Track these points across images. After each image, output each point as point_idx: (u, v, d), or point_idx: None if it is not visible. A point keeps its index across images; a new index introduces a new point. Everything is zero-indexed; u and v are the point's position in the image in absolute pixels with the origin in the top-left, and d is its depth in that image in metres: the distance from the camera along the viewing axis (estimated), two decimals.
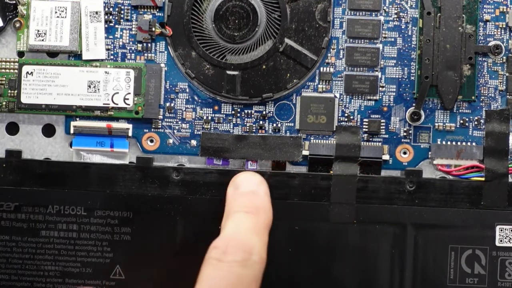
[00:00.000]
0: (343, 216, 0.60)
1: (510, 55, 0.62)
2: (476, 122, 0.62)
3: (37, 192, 0.59)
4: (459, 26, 0.61)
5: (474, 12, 0.61)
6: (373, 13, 0.62)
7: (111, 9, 0.62)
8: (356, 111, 0.62)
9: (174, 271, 0.59)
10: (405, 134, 0.62)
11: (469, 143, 0.62)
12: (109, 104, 0.61)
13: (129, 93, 0.61)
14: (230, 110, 0.62)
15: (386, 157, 0.62)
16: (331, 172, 0.60)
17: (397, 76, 0.62)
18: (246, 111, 0.62)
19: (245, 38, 0.61)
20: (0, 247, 0.59)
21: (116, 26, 0.62)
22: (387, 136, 0.62)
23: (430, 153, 0.62)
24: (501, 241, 0.60)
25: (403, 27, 0.62)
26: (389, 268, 0.60)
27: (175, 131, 0.62)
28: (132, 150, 0.62)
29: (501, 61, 0.62)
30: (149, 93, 0.62)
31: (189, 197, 0.60)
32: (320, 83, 0.62)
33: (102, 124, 0.62)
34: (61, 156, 0.63)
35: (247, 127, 0.62)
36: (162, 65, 0.62)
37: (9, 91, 0.62)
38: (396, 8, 0.62)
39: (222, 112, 0.62)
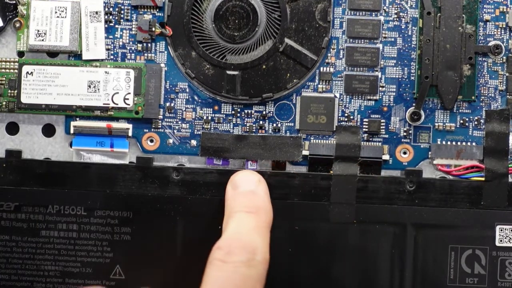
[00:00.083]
0: (343, 216, 0.60)
1: (510, 55, 0.62)
2: (476, 122, 0.62)
3: (37, 192, 0.59)
4: (459, 26, 0.61)
5: (474, 12, 0.61)
6: (373, 13, 0.62)
7: (111, 9, 0.62)
8: (356, 111, 0.62)
9: (174, 271, 0.59)
10: (405, 134, 0.62)
11: (469, 143, 0.62)
12: (109, 104, 0.61)
13: (129, 93, 0.61)
14: (230, 110, 0.62)
15: (386, 157, 0.62)
16: (331, 172, 0.60)
17: (397, 76, 0.62)
18: (246, 111, 0.62)
19: (245, 38, 0.61)
20: (0, 247, 0.59)
21: (116, 26, 0.62)
22: (387, 136, 0.62)
23: (430, 153, 0.62)
24: (501, 241, 0.60)
25: (403, 27, 0.62)
26: (389, 268, 0.60)
27: (175, 131, 0.62)
28: (132, 150, 0.62)
29: (501, 61, 0.62)
30: (149, 93, 0.62)
31: (189, 197, 0.60)
32: (320, 83, 0.62)
33: (102, 124, 0.62)
34: (61, 156, 0.63)
35: (247, 127, 0.62)
36: (162, 65, 0.62)
37: (9, 91, 0.62)
38: (396, 8, 0.62)
39: (222, 112, 0.62)
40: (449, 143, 0.62)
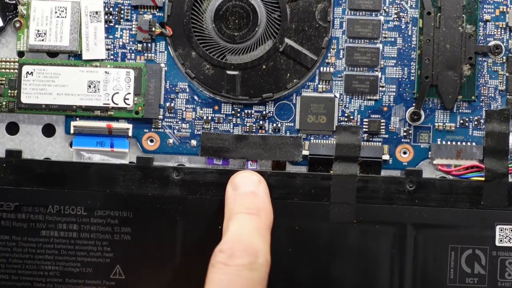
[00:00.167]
0: (343, 216, 0.60)
1: (510, 55, 0.62)
2: (476, 122, 0.62)
3: (37, 192, 0.59)
4: (459, 26, 0.61)
5: (474, 12, 0.61)
6: (373, 13, 0.62)
7: (111, 9, 0.62)
8: (356, 111, 0.62)
9: (174, 271, 0.59)
10: (405, 134, 0.62)
11: (469, 143, 0.62)
12: (109, 104, 0.61)
13: (129, 93, 0.61)
14: (230, 110, 0.62)
15: (386, 157, 0.62)
16: (331, 172, 0.60)
17: (397, 76, 0.62)
18: (246, 111, 0.62)
19: (245, 38, 0.61)
20: (0, 247, 0.59)
21: (116, 26, 0.62)
22: (387, 136, 0.62)
23: (430, 153, 0.62)
24: (501, 241, 0.60)
25: (403, 27, 0.62)
26: (389, 268, 0.60)
27: (175, 131, 0.62)
28: (132, 150, 0.62)
29: (501, 61, 0.62)
30: (149, 93, 0.62)
31: (189, 197, 0.60)
32: (320, 83, 0.62)
33: (102, 124, 0.62)
34: (61, 156, 0.63)
35: (247, 127, 0.62)
36: (162, 65, 0.62)
37: (9, 91, 0.62)
38: (396, 8, 0.62)
39: (222, 112, 0.62)
40: (449, 143, 0.62)
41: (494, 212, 0.60)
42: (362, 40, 0.62)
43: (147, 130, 0.62)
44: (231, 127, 0.62)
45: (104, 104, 0.61)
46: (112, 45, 0.62)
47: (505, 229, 0.60)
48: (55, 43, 0.61)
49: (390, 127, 0.62)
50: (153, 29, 0.62)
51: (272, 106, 0.62)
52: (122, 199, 0.60)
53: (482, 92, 0.62)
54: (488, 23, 0.62)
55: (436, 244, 0.60)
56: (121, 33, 0.62)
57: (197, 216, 0.59)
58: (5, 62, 0.62)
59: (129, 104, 0.61)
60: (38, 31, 0.61)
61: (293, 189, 0.60)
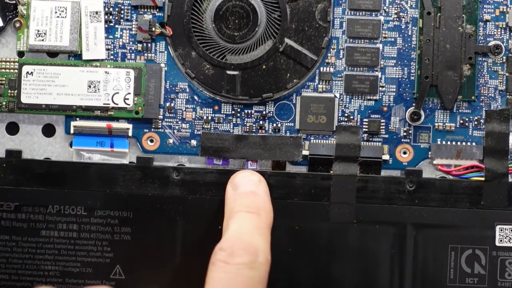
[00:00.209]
0: (343, 216, 0.60)
1: (510, 55, 0.62)
2: (476, 122, 0.62)
3: (37, 192, 0.59)
4: (459, 26, 0.61)
5: (474, 12, 0.61)
6: (373, 13, 0.62)
7: (111, 9, 0.62)
8: (356, 111, 0.62)
9: (174, 271, 0.59)
10: (405, 134, 0.62)
11: (469, 143, 0.62)
12: (109, 104, 0.61)
13: (129, 93, 0.61)
14: (230, 110, 0.62)
15: (386, 157, 0.62)
16: (331, 172, 0.60)
17: (397, 76, 0.62)
18: (246, 111, 0.62)
19: (245, 38, 0.61)
20: (0, 247, 0.59)
21: (116, 26, 0.62)
22: (387, 136, 0.62)
23: (430, 153, 0.62)
24: (501, 241, 0.60)
25: (403, 27, 0.62)
26: (389, 268, 0.60)
27: (175, 131, 0.62)
28: (132, 150, 0.62)
29: (501, 61, 0.62)
30: (149, 93, 0.62)
31: (189, 197, 0.60)
32: (320, 83, 0.62)
33: (102, 124, 0.62)
34: (61, 156, 0.63)
35: (247, 127, 0.62)
36: (162, 65, 0.62)
37: (9, 91, 0.62)
38: (396, 8, 0.62)
39: (222, 112, 0.62)
40: (449, 143, 0.62)
41: (494, 212, 0.60)
42: (362, 40, 0.62)
43: (147, 130, 0.62)
44: (231, 127, 0.62)
45: (104, 104, 0.61)
46: (112, 45, 0.62)
47: (505, 229, 0.60)
48: (55, 43, 0.61)
49: (390, 127, 0.62)
50: (153, 29, 0.62)
51: (272, 106, 0.62)
52: (122, 199, 0.60)
53: (482, 92, 0.62)
54: (488, 23, 0.62)
55: (436, 244, 0.60)
56: (121, 33, 0.62)
57: (197, 216, 0.59)
58: (5, 62, 0.62)
59: (129, 104, 0.61)
60: (38, 31, 0.61)
61: (293, 189, 0.60)
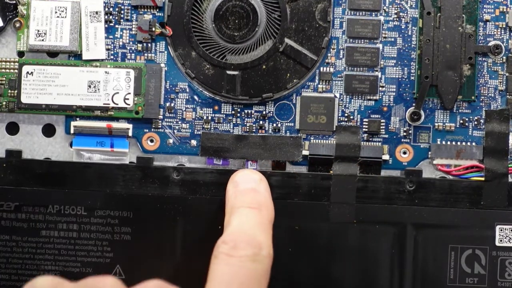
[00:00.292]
0: (343, 216, 0.60)
1: (510, 55, 0.62)
2: (476, 122, 0.62)
3: (37, 192, 0.59)
4: (459, 26, 0.61)
5: (474, 12, 0.61)
6: (373, 13, 0.62)
7: (111, 9, 0.62)
8: (356, 111, 0.62)
9: (174, 271, 0.59)
10: (405, 134, 0.62)
11: (469, 143, 0.62)
12: (109, 104, 0.61)
13: (129, 93, 0.61)
14: (230, 110, 0.62)
15: (386, 157, 0.62)
16: (331, 172, 0.60)
17: (397, 76, 0.62)
18: (246, 111, 0.62)
19: (245, 38, 0.61)
20: (0, 247, 0.59)
21: (116, 26, 0.62)
22: (387, 136, 0.62)
23: (430, 153, 0.62)
24: (501, 241, 0.60)
25: (403, 27, 0.62)
26: (389, 268, 0.60)
27: (175, 131, 0.62)
28: (132, 150, 0.62)
29: (501, 61, 0.62)
30: (149, 93, 0.62)
31: (189, 197, 0.60)
32: (320, 83, 0.62)
33: (102, 124, 0.62)
34: (61, 156, 0.63)
35: (247, 127, 0.62)
36: (162, 65, 0.62)
37: (9, 91, 0.62)
38: (396, 8, 0.62)
39: (222, 112, 0.62)
40: (449, 143, 0.62)
41: (494, 212, 0.60)
42: (362, 40, 0.62)
43: (147, 130, 0.62)
44: (231, 127, 0.62)
45: (104, 104, 0.61)
46: (112, 45, 0.62)
47: (505, 229, 0.60)
48: (55, 43, 0.61)
49: (390, 127, 0.62)
50: (153, 29, 0.62)
51: (272, 106, 0.62)
52: (122, 199, 0.60)
53: (482, 92, 0.62)
54: (488, 23, 0.62)
55: (436, 244, 0.60)
56: (121, 33, 0.62)
57: (197, 216, 0.59)
58: (5, 62, 0.62)
59: (129, 104, 0.61)
60: (38, 31, 0.61)
61: (293, 189, 0.60)
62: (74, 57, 0.62)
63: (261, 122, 0.62)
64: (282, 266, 0.59)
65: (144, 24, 0.62)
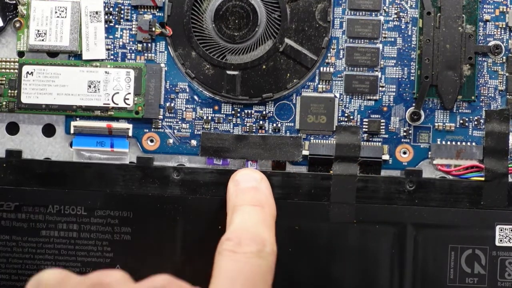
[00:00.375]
0: (343, 216, 0.60)
1: (510, 55, 0.62)
2: (476, 122, 0.62)
3: (37, 192, 0.59)
4: (459, 26, 0.61)
5: (474, 12, 0.61)
6: (373, 13, 0.62)
7: (111, 9, 0.62)
8: (356, 111, 0.62)
9: (174, 271, 0.59)
10: (405, 134, 0.62)
11: (469, 143, 0.62)
12: (109, 104, 0.61)
13: (129, 93, 0.61)
14: (230, 110, 0.62)
15: (386, 157, 0.62)
16: (331, 172, 0.60)
17: (397, 76, 0.62)
18: (246, 111, 0.62)
19: (245, 38, 0.61)
20: (0, 247, 0.59)
21: (116, 26, 0.62)
22: (387, 136, 0.62)
23: (430, 153, 0.62)
24: (501, 241, 0.60)
25: (403, 27, 0.62)
26: (389, 268, 0.60)
27: (175, 131, 0.62)
28: (132, 150, 0.62)
29: (501, 61, 0.62)
30: (149, 93, 0.62)
31: (189, 197, 0.60)
32: (320, 83, 0.62)
33: (102, 124, 0.62)
34: (61, 156, 0.63)
35: (247, 127, 0.62)
36: (162, 65, 0.62)
37: (9, 91, 0.62)
38: (396, 8, 0.62)
39: (222, 112, 0.62)
40: (449, 143, 0.62)
41: (494, 212, 0.60)
42: (362, 40, 0.62)
43: (147, 130, 0.62)
44: (231, 127, 0.62)
45: (104, 104, 0.61)
46: (112, 45, 0.62)
47: (505, 229, 0.60)
48: (55, 43, 0.61)
49: (390, 127, 0.62)
50: (153, 29, 0.62)
51: (272, 106, 0.62)
52: (122, 199, 0.60)
53: (482, 92, 0.62)
54: (488, 23, 0.62)
55: (436, 244, 0.60)
56: (121, 33, 0.62)
57: (197, 216, 0.59)
58: (5, 62, 0.62)
59: (129, 104, 0.61)
60: (38, 31, 0.61)
61: (293, 189, 0.60)
62: (74, 57, 0.62)
63: (261, 122, 0.62)
64: (282, 266, 0.59)
65: (144, 24, 0.62)
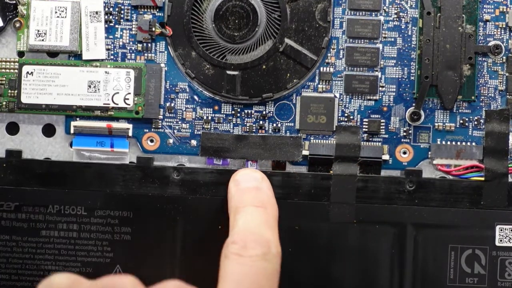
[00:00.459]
0: (343, 216, 0.60)
1: (510, 55, 0.62)
2: (476, 122, 0.62)
3: (37, 192, 0.59)
4: (459, 26, 0.61)
5: (474, 12, 0.61)
6: (373, 13, 0.62)
7: (111, 9, 0.62)
8: (356, 111, 0.62)
9: (174, 271, 0.59)
10: (405, 134, 0.62)
11: (469, 143, 0.62)
12: (109, 104, 0.61)
13: (129, 93, 0.61)
14: (230, 110, 0.62)
15: (386, 157, 0.62)
16: (331, 172, 0.60)
17: (397, 76, 0.62)
18: (246, 111, 0.62)
19: (245, 38, 0.61)
20: (0, 247, 0.59)
21: (116, 26, 0.62)
22: (387, 136, 0.62)
23: (430, 153, 0.62)
24: (501, 241, 0.60)
25: (403, 27, 0.62)
26: (389, 268, 0.60)
27: (175, 131, 0.62)
28: (132, 150, 0.62)
29: (501, 61, 0.62)
30: (149, 93, 0.62)
31: (189, 197, 0.60)
32: (320, 83, 0.62)
33: (102, 124, 0.62)
34: (61, 156, 0.63)
35: (247, 127, 0.62)
36: (162, 65, 0.62)
37: (9, 91, 0.62)
38: (396, 8, 0.62)
39: (222, 112, 0.62)
40: (449, 143, 0.62)
41: (494, 212, 0.60)
42: (362, 40, 0.62)
43: (147, 130, 0.62)
44: (231, 127, 0.62)
45: (104, 104, 0.61)
46: (112, 45, 0.62)
47: (505, 229, 0.60)
48: (55, 43, 0.61)
49: (390, 127, 0.62)
50: (153, 29, 0.62)
51: (272, 106, 0.62)
52: (122, 199, 0.60)
53: (482, 92, 0.62)
54: (488, 23, 0.62)
55: (436, 244, 0.60)
56: (121, 33, 0.62)
57: (197, 216, 0.59)
58: (5, 62, 0.62)
59: (129, 104, 0.61)
60: (38, 31, 0.61)
61: (293, 189, 0.60)
62: (74, 57, 0.62)
63: (261, 122, 0.62)
64: (282, 266, 0.59)
65: (144, 24, 0.62)
